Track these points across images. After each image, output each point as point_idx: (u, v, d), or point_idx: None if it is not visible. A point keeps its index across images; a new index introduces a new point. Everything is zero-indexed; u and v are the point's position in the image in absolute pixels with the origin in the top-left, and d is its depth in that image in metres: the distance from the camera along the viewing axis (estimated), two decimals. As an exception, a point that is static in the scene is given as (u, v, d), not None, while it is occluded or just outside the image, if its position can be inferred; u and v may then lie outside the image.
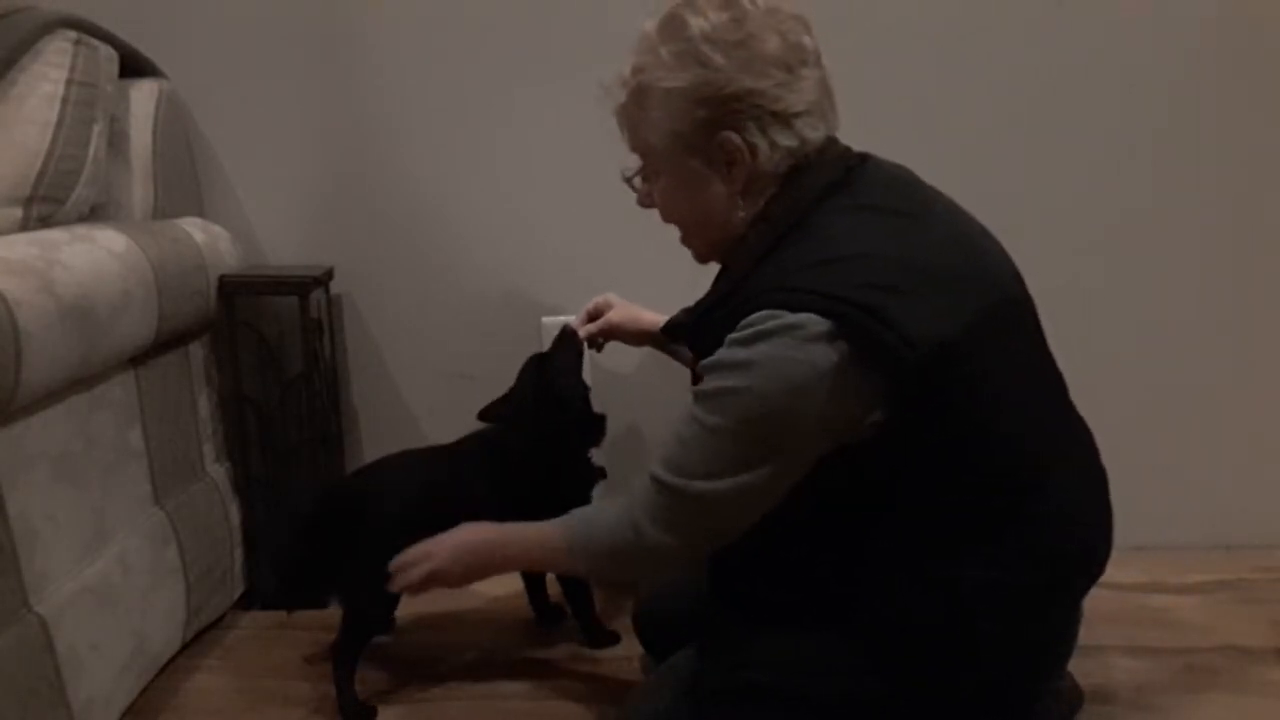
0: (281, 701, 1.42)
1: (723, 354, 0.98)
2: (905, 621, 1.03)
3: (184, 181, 1.67)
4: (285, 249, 1.76)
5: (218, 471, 1.64)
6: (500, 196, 1.72)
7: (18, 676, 1.12)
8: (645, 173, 1.13)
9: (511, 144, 1.70)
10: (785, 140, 1.02)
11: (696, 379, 1.04)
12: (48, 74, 1.40)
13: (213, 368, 1.63)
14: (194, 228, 1.59)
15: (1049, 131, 1.65)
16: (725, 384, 0.97)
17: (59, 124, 1.39)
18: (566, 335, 1.47)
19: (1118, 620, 1.51)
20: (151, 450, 1.43)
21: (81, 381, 1.26)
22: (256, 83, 1.70)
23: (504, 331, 1.74)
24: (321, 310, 1.70)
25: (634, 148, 1.12)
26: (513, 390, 1.45)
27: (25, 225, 1.34)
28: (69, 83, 1.41)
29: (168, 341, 1.47)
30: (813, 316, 0.93)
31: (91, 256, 1.28)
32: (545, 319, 1.73)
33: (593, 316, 1.49)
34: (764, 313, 0.95)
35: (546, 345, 1.50)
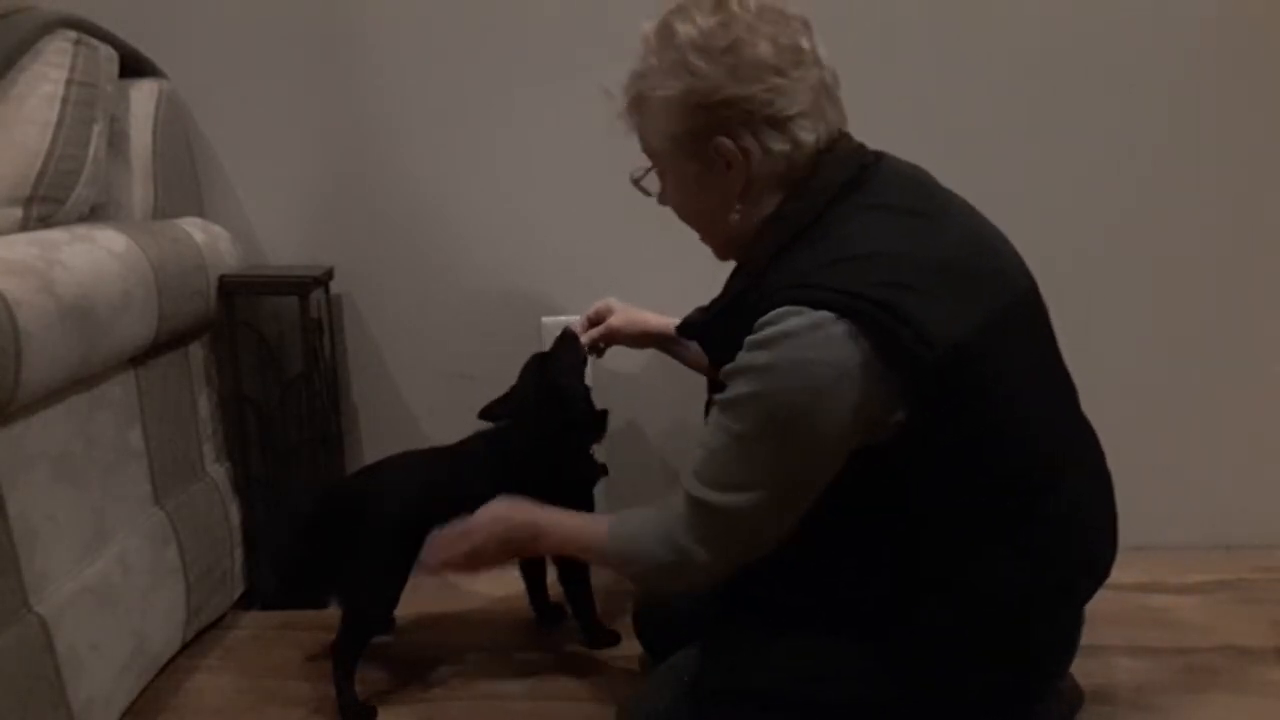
0: (281, 701, 1.42)
1: (743, 359, 0.97)
2: (918, 624, 1.03)
3: (184, 181, 1.67)
4: (285, 249, 1.76)
5: (218, 471, 1.64)
6: (500, 196, 1.72)
7: (18, 676, 1.12)
8: (657, 173, 1.14)
9: (511, 144, 1.70)
10: (779, 145, 1.02)
11: (712, 382, 1.03)
12: (48, 74, 1.40)
13: (213, 368, 1.63)
14: (194, 228, 1.59)
15: (1049, 131, 1.65)
16: (749, 390, 0.96)
17: (59, 124, 1.39)
18: (568, 337, 1.47)
19: (1118, 620, 1.51)
20: (151, 450, 1.43)
21: (81, 381, 1.26)
22: (256, 83, 1.70)
23: (504, 331, 1.74)
24: (321, 310, 1.70)
25: (643, 150, 1.13)
26: (514, 389, 1.45)
27: (25, 225, 1.34)
28: (69, 83, 1.41)
29: (168, 341, 1.47)
30: (831, 315, 0.92)
31: (91, 256, 1.28)
32: (545, 319, 1.73)
33: (594, 322, 1.49)
34: (782, 309, 0.94)
35: (546, 345, 1.50)
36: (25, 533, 1.14)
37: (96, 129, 1.45)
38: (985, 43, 1.63)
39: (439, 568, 1.21)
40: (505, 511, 1.20)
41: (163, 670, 1.45)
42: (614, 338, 1.48)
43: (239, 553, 1.67)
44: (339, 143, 1.73)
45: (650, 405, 1.77)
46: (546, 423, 1.42)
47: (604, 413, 1.47)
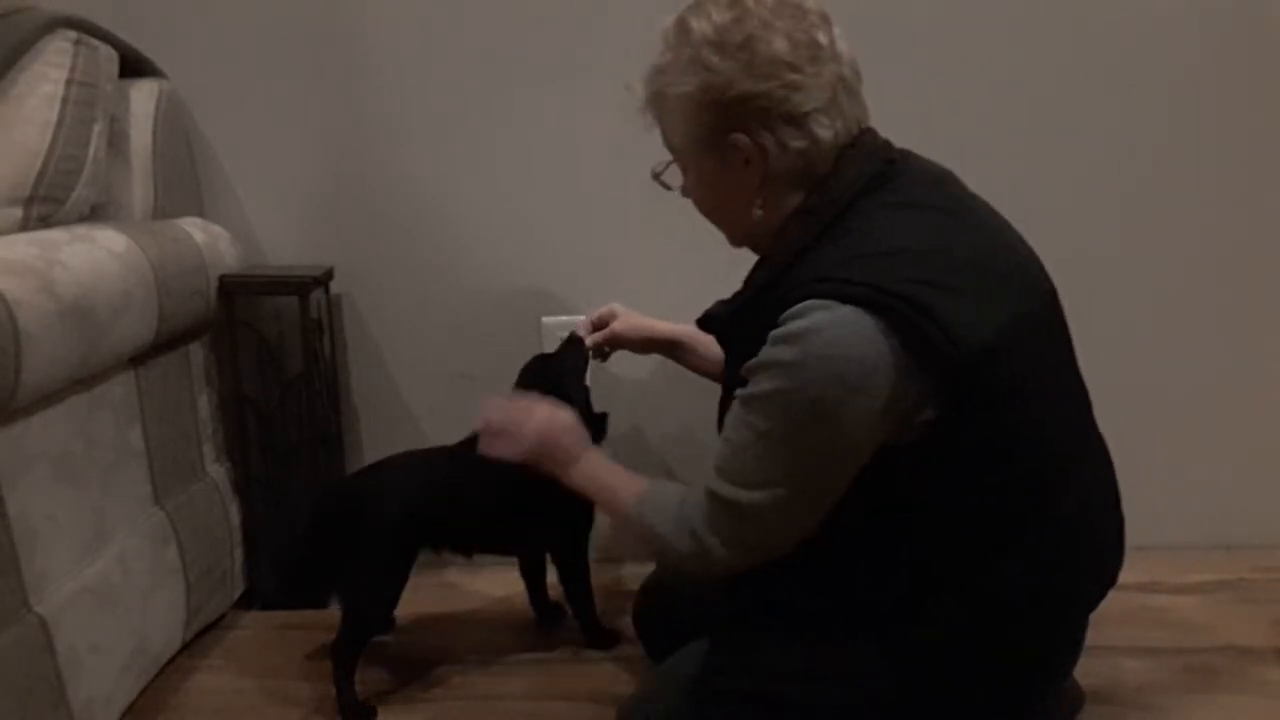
0: (281, 701, 1.42)
1: (768, 353, 0.95)
2: (928, 625, 1.02)
3: (184, 181, 1.67)
4: (285, 249, 1.76)
5: (218, 471, 1.64)
6: (500, 196, 1.72)
7: (18, 676, 1.12)
8: (679, 168, 1.14)
9: (511, 144, 1.69)
10: (796, 141, 1.01)
11: (730, 380, 1.03)
12: (48, 74, 1.40)
13: (213, 368, 1.63)
14: (194, 228, 1.59)
15: (1049, 131, 1.65)
16: (774, 386, 0.94)
17: (59, 124, 1.39)
18: (574, 340, 1.46)
19: (1118, 620, 1.50)
20: (151, 450, 1.42)
21: (81, 381, 1.26)
22: (256, 83, 1.70)
23: (504, 331, 1.74)
24: (321, 310, 1.70)
25: (665, 144, 1.12)
26: (514, 389, 1.45)
27: (25, 225, 1.34)
28: (69, 83, 1.41)
29: (168, 341, 1.47)
30: (860, 310, 0.91)
31: (91, 256, 1.28)
32: (545, 319, 1.73)
33: (597, 326, 1.49)
34: (808, 303, 0.93)
35: (546, 345, 1.50)
36: (25, 533, 1.14)
37: (96, 129, 1.45)
38: (985, 43, 1.62)
39: (483, 423, 1.23)
40: (567, 424, 1.22)
41: (163, 670, 1.45)
42: (617, 342, 1.48)
43: (239, 553, 1.67)
44: (339, 143, 1.73)
45: (655, 411, 1.77)
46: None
47: (604, 415, 1.47)
